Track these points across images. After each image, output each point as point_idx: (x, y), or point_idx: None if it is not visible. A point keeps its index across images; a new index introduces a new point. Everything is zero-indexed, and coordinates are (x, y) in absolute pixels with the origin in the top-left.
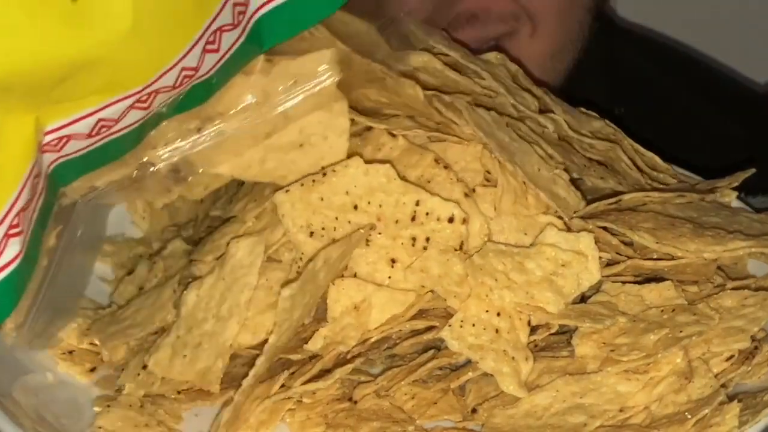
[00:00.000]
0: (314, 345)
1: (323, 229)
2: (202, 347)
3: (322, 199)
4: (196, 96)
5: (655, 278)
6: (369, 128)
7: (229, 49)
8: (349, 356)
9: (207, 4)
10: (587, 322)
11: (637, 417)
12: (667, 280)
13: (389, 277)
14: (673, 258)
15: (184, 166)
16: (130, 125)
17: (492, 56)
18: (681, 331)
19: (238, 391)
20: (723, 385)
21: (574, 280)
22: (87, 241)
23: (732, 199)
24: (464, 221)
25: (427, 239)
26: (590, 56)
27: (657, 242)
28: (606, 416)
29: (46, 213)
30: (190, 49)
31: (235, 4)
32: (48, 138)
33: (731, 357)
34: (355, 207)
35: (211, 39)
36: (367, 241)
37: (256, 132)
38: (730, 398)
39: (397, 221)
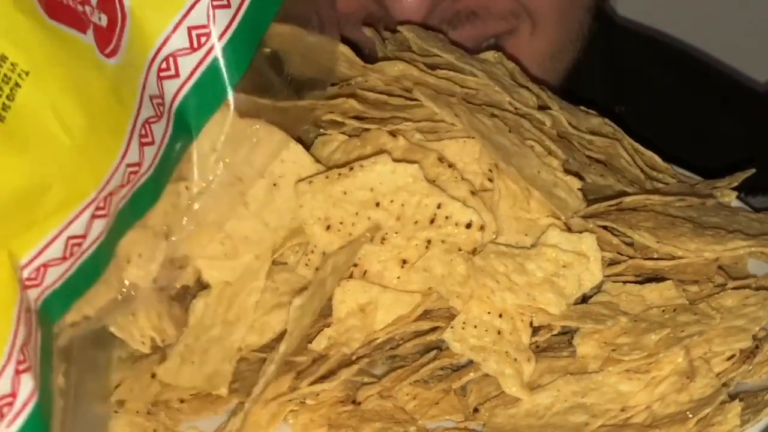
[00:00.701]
0: (318, 345)
1: (341, 223)
2: (209, 352)
3: (345, 193)
4: (146, 195)
5: (655, 278)
6: (367, 129)
7: (162, 139)
8: (353, 357)
9: (126, 100)
10: (589, 323)
11: (639, 416)
12: (667, 279)
13: (398, 277)
14: (673, 258)
15: (164, 274)
16: (98, 237)
17: (489, 55)
18: (682, 331)
19: (248, 399)
20: (724, 384)
21: (575, 281)
22: (96, 374)
23: (732, 199)
24: (481, 228)
25: (442, 242)
26: (590, 56)
27: (657, 241)
28: (608, 416)
29: (47, 352)
30: (128, 145)
31: (151, 97)
32: (26, 272)
33: (732, 356)
34: (377, 204)
35: (143, 132)
36: (383, 239)
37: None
38: (732, 397)
39: (416, 222)
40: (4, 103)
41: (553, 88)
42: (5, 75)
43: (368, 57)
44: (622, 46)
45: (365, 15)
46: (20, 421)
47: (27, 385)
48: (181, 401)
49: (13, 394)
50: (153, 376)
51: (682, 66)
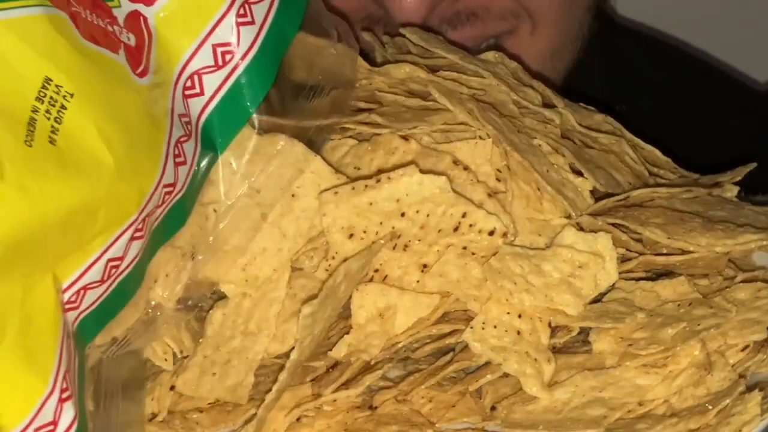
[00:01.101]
0: (338, 353)
1: (365, 232)
2: (231, 364)
3: (371, 204)
4: (178, 214)
5: (665, 273)
6: (377, 133)
7: (193, 158)
8: (373, 362)
9: (160, 121)
10: (608, 322)
11: (657, 410)
12: (678, 274)
13: (417, 281)
14: (683, 252)
15: (191, 294)
16: (134, 259)
17: (490, 55)
18: (699, 324)
19: (261, 406)
20: (741, 376)
21: (591, 281)
22: (125, 395)
23: (734, 193)
24: (504, 235)
25: (464, 248)
26: (590, 55)
27: (669, 237)
28: (625, 408)
29: (81, 375)
30: (165, 165)
31: (180, 116)
32: (67, 295)
33: (746, 347)
34: (403, 214)
35: (176, 152)
36: (406, 246)
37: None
38: (748, 388)
39: (439, 231)
40: (53, 126)
41: (554, 87)
42: (51, 98)
43: (369, 58)
44: (622, 45)
45: (365, 15)
46: None
47: (68, 413)
48: (200, 411)
49: (55, 423)
50: (172, 388)
51: (683, 66)
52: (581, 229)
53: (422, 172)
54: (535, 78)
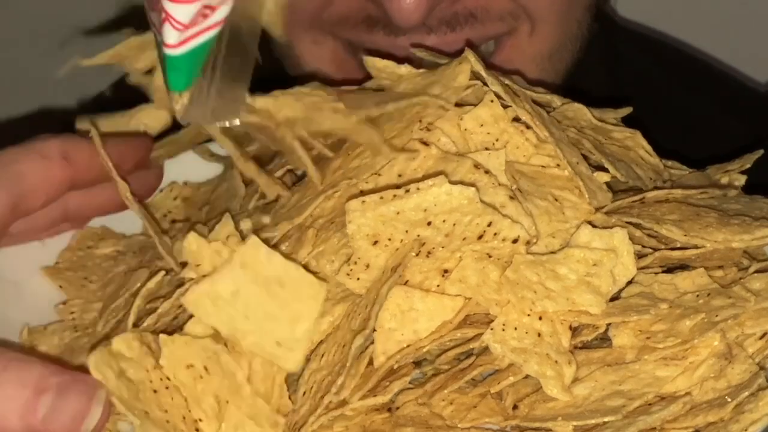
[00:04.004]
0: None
1: (389, 239)
2: None
3: (398, 213)
4: None
5: (679, 267)
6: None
7: None
8: (396, 366)
9: None
10: (633, 315)
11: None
12: (692, 267)
13: (437, 285)
14: (698, 246)
15: None
16: None
17: None
18: (717, 315)
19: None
20: (762, 367)
21: (609, 278)
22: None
23: (742, 182)
24: (528, 243)
25: (488, 255)
26: (591, 55)
27: (685, 235)
28: (644, 398)
29: None
30: None
31: None
32: None
33: (764, 335)
34: (429, 223)
35: None
36: (429, 253)
37: None
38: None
39: (464, 238)
40: None
41: (554, 88)
42: None
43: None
44: (622, 46)
45: (364, 17)
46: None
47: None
48: None
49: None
50: None
51: (683, 66)
52: (595, 227)
53: (450, 181)
54: (536, 82)
